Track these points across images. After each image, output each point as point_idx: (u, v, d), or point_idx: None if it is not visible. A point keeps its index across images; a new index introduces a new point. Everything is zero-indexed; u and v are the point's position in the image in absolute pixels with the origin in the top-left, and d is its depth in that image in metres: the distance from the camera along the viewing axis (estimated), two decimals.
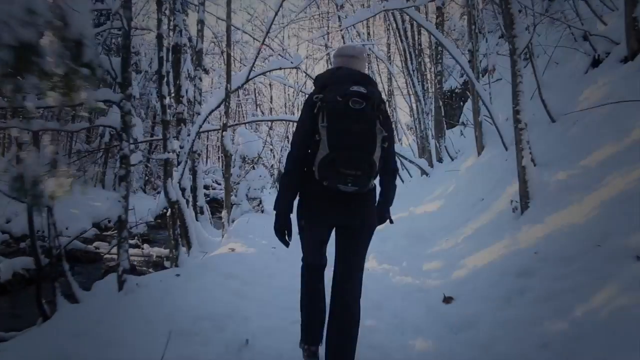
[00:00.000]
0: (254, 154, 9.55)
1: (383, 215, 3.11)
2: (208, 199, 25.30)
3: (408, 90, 19.50)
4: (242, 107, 42.13)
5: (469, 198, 7.19)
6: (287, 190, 2.80)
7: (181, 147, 7.56)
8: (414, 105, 16.14)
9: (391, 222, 3.20)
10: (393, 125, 3.56)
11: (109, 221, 16.05)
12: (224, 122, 6.88)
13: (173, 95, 7.82)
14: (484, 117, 8.66)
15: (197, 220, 9.67)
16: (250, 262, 5.23)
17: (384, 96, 19.52)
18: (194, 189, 9.74)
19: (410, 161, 10.71)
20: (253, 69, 7.76)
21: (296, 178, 2.78)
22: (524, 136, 5.06)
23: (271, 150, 15.89)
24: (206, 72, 25.49)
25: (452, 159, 10.40)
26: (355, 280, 2.87)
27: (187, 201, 7.55)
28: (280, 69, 7.86)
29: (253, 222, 7.95)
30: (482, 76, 16.93)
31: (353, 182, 2.57)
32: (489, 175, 7.33)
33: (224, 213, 6.72)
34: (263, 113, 37.30)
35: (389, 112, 3.20)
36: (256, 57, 7.91)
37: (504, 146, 7.49)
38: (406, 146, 17.46)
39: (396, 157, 3.98)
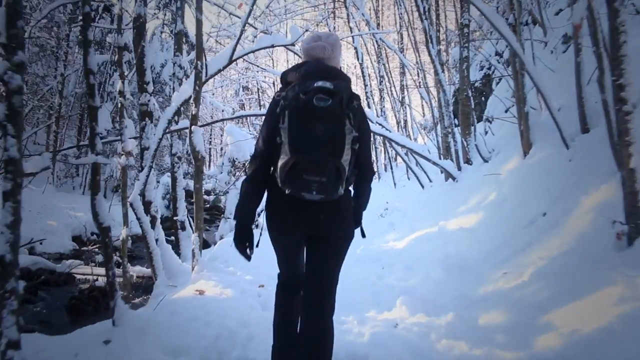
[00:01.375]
0: (246, 155, 7.87)
1: (355, 219, 2.81)
2: (208, 205, 23.76)
3: (421, 83, 17.81)
4: (245, 108, 40.53)
5: (522, 211, 5.46)
6: (247, 197, 2.65)
7: (145, 148, 5.88)
8: (432, 100, 14.44)
9: (363, 235, 2.86)
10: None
11: (92, 234, 14.51)
12: (193, 112, 5.20)
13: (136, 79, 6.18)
14: (530, 107, 6.93)
15: (179, 234, 8.04)
16: (221, 316, 3.53)
17: (395, 91, 17.81)
18: (173, 200, 8.08)
19: (435, 163, 8.96)
20: (240, 45, 6.08)
21: (257, 184, 2.61)
22: (633, 123, 3.34)
23: None
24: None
25: (485, 160, 8.67)
26: (327, 296, 2.67)
27: (154, 218, 5.86)
28: (272, 46, 6.16)
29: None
30: (508, 65, 15.23)
31: (318, 189, 2.36)
32: (545, 181, 5.60)
33: (193, 237, 5.03)
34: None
35: (367, 110, 2.61)
36: (241, 32, 6.21)
37: (563, 143, 5.76)
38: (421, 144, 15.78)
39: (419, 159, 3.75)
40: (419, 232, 7.15)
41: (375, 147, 18.18)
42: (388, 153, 18.39)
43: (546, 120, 6.89)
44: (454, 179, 9.10)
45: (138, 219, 5.43)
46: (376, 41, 17.57)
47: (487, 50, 15.28)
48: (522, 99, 6.80)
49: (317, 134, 2.33)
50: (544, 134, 6.62)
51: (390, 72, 18.55)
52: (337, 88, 2.39)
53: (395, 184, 15.55)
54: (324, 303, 2.64)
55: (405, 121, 18.16)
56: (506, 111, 12.30)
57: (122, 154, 4.91)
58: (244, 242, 2.61)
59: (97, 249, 11.97)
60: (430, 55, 9.96)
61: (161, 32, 21.94)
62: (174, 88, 9.82)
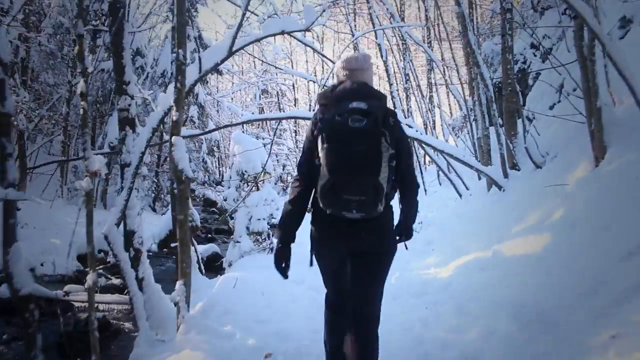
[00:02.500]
0: (257, 167, 6.68)
1: (404, 232, 2.95)
2: (213, 224, 22.70)
3: (450, 80, 16.47)
4: (265, 112, 39.46)
5: (608, 238, 4.15)
6: (288, 217, 2.77)
7: (126, 165, 4.73)
8: (465, 97, 13.10)
9: (406, 247, 3.08)
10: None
11: (100, 251, 13.51)
12: (174, 119, 4.00)
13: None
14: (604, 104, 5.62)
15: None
16: None
17: (421, 90, 16.51)
18: (174, 222, 6.92)
19: (478, 170, 7.66)
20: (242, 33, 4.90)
21: (298, 205, 2.74)
22: None
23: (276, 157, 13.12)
24: (219, 73, 22.81)
25: (538, 166, 7.34)
26: (372, 308, 2.80)
27: (138, 251, 4.70)
28: (283, 33, 4.94)
29: (248, 281, 5.06)
30: (545, 59, 13.86)
31: (357, 208, 2.49)
32: (632, 197, 4.29)
33: (178, 287, 3.84)
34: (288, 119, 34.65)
35: (403, 125, 2.85)
36: (243, 15, 5.00)
37: None
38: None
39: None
40: (467, 257, 5.87)
41: None
42: (417, 155, 17.06)
43: (624, 118, 5.57)
44: (500, 188, 7.79)
45: (114, 255, 4.28)
46: (401, 36, 16.30)
47: (520, 43, 13.92)
48: (594, 91, 5.49)
49: (353, 154, 2.45)
50: (622, 135, 5.32)
51: (415, 70, 17.25)
52: (371, 108, 2.51)
53: (425, 190, 14.24)
54: (369, 315, 2.79)
55: (434, 122, 16.81)
56: (551, 107, 10.97)
57: (87, 175, 3.74)
58: (282, 261, 2.77)
59: (101, 271, 10.97)
60: (469, 45, 8.63)
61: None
62: (192, 91, 8.74)
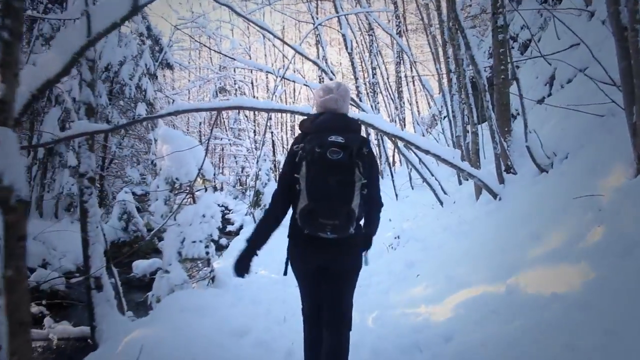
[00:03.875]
0: (192, 173, 5.09)
1: (365, 243, 3.21)
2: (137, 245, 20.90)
3: (418, 73, 15.15)
4: (221, 113, 37.55)
5: None
6: (262, 227, 3.08)
7: None
8: (440, 89, 11.71)
9: (366, 263, 3.24)
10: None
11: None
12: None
13: None
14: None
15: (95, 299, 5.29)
16: None
17: (389, 84, 15.19)
18: (84, 243, 5.29)
19: (471, 174, 6.23)
20: None
21: (273, 219, 3.05)
22: None
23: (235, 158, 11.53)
24: (170, 67, 20.99)
25: (542, 170, 5.97)
26: (344, 318, 3.09)
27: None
28: None
29: (165, 344, 3.48)
30: (524, 51, 12.61)
31: (332, 230, 2.79)
32: None
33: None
34: (247, 117, 32.78)
35: (373, 151, 3.13)
36: None
37: None
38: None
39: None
40: (468, 291, 4.41)
41: None
42: (386, 155, 15.66)
43: None
44: (495, 196, 6.38)
45: None
46: (368, 24, 14.90)
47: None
48: (637, 70, 4.09)
49: (330, 184, 2.79)
50: None
51: (384, 62, 15.88)
52: (348, 142, 2.85)
53: (396, 194, 12.83)
54: (341, 324, 3.08)
55: (404, 119, 15.43)
56: (540, 101, 9.70)
57: None
58: (243, 266, 3.03)
59: None
60: (457, 22, 7.17)
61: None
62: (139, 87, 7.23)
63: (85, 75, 5.36)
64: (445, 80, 11.28)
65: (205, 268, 5.23)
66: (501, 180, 6.53)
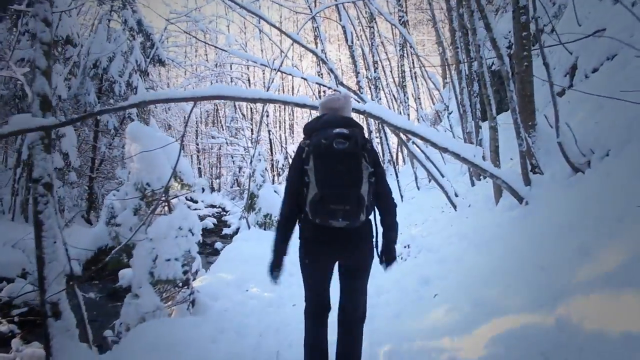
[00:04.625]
0: (163, 178, 4.23)
1: (389, 255, 3.25)
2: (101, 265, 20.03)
3: (422, 69, 14.27)
4: (219, 112, 36.67)
5: None
6: (281, 232, 3.17)
7: None
8: (446, 81, 10.85)
9: (384, 269, 3.30)
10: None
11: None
12: None
13: None
14: None
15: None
16: None
17: (394, 78, 14.35)
18: (38, 261, 4.46)
19: (493, 175, 5.39)
20: None
21: (290, 221, 3.16)
22: None
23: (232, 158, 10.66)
24: (162, 63, 20.09)
25: (577, 170, 5.13)
26: (361, 311, 3.30)
27: None
28: None
29: None
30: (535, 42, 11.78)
31: (343, 216, 2.88)
32: None
33: None
34: (244, 116, 31.87)
35: (376, 148, 3.48)
36: None
37: None
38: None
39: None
40: (504, 321, 3.55)
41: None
42: (389, 153, 14.79)
43: None
44: (520, 200, 5.54)
45: None
46: (370, 14, 14.07)
47: (503, 25, 11.83)
48: None
49: (339, 170, 2.90)
50: None
51: (387, 54, 15.03)
52: (352, 133, 3.00)
53: (402, 196, 11.98)
54: (356, 320, 3.28)
55: (409, 115, 14.56)
56: (560, 94, 8.87)
57: None
58: (277, 267, 3.18)
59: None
60: (477, 2, 6.29)
61: (109, 21, 18.13)
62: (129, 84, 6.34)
63: (39, 62, 4.51)
64: (454, 73, 10.41)
65: (184, 290, 4.38)
66: (527, 182, 5.68)
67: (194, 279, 6.76)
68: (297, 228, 3.22)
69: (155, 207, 3.99)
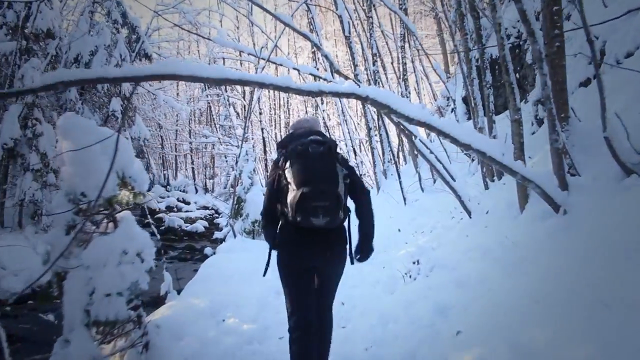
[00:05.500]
0: (109, 184, 3.23)
1: (364, 252, 3.42)
2: (162, 227, 19.02)
3: (421, 61, 13.24)
4: (212, 110, 35.58)
5: None
6: (267, 227, 3.43)
7: None
8: (467, 63, 9.81)
9: (352, 262, 3.43)
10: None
11: None
12: None
13: None
14: None
15: None
16: None
17: (395, 69, 13.39)
18: None
19: (525, 179, 4.37)
20: None
21: (272, 217, 3.35)
22: None
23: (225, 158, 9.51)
24: (148, 57, 18.99)
25: (631, 172, 4.13)
26: (330, 305, 3.47)
27: None
28: None
29: None
30: None
31: (323, 213, 3.00)
32: None
33: None
34: (238, 114, 30.80)
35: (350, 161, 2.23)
36: None
37: None
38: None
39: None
40: None
41: (372, 147, 13.56)
42: (390, 150, 13.77)
43: None
44: (557, 208, 4.53)
45: None
46: (368, 3, 13.07)
47: (510, 15, 10.85)
48: None
49: (316, 169, 3.09)
50: None
51: (389, 49, 14.03)
52: (325, 139, 3.31)
53: (404, 198, 10.96)
54: (326, 311, 3.45)
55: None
56: (585, 84, 7.91)
57: None
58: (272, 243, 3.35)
59: None
60: None
61: (91, 13, 17.07)
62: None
63: None
64: (463, 64, 9.41)
65: (135, 331, 3.37)
66: (564, 186, 4.67)
67: (165, 302, 5.72)
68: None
69: (82, 226, 2.99)
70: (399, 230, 8.89)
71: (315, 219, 3.01)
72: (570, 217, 4.37)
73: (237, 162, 10.68)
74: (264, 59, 8.47)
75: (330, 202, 3.01)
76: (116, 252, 3.12)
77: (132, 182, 3.39)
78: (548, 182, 4.63)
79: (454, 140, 3.79)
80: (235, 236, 8.72)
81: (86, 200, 3.10)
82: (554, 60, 5.18)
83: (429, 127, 3.57)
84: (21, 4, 15.63)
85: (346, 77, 8.50)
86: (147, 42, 17.86)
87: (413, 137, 6.51)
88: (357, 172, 3.58)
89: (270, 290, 5.63)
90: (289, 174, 3.11)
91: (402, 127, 6.57)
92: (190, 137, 36.02)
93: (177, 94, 34.92)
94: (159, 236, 18.09)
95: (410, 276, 5.74)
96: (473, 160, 10.25)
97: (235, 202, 10.11)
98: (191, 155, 38.15)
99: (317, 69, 19.99)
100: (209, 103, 31.97)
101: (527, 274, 3.94)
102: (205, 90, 27.47)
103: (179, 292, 6.15)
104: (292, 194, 3.05)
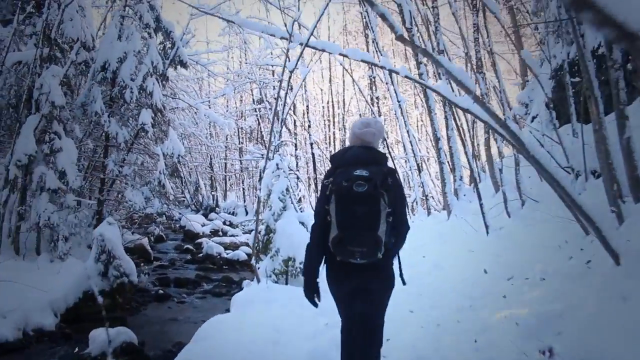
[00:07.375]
0: None
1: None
2: (200, 255, 17.20)
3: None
4: (260, 124, 33.84)
5: None
6: (311, 257, 3.31)
7: None
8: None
9: (403, 283, 3.42)
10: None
11: None
12: None
13: None
14: None
15: None
16: None
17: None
18: None
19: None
20: None
21: (318, 247, 3.26)
22: None
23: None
24: (183, 65, 17.27)
25: None
26: (375, 337, 3.29)
27: None
28: None
29: None
30: None
31: (360, 256, 3.03)
32: None
33: None
34: (289, 132, 28.90)
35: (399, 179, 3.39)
36: None
37: None
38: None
39: None
40: None
41: (440, 161, 11.15)
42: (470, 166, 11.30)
43: None
44: (617, 259, 2.12)
45: None
46: None
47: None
48: None
49: (357, 214, 3.02)
50: None
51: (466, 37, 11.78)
52: (372, 175, 3.08)
53: (487, 225, 8.51)
54: (370, 341, 3.25)
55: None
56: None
57: None
58: (311, 293, 3.24)
59: None
60: None
61: (122, 18, 15.54)
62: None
63: None
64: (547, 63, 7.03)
65: None
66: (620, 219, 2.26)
67: None
68: None
69: None
70: (485, 271, 6.53)
71: (352, 260, 3.05)
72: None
73: (260, 178, 8.14)
74: (300, 43, 6.37)
75: (368, 247, 3.01)
76: None
77: None
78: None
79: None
80: (259, 281, 6.37)
81: None
82: None
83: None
84: (54, 11, 14.33)
85: (413, 44, 6.28)
86: (182, 48, 16.18)
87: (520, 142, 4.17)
88: (403, 200, 3.36)
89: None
90: (331, 212, 3.11)
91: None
92: (240, 155, 34.47)
93: (227, 106, 33.56)
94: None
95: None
96: (579, 175, 7.71)
97: (262, 233, 7.60)
98: (241, 175, 36.66)
99: (374, 80, 17.83)
100: (258, 119, 30.25)
101: None
102: (257, 104, 25.79)
103: None
104: (332, 234, 3.08)
